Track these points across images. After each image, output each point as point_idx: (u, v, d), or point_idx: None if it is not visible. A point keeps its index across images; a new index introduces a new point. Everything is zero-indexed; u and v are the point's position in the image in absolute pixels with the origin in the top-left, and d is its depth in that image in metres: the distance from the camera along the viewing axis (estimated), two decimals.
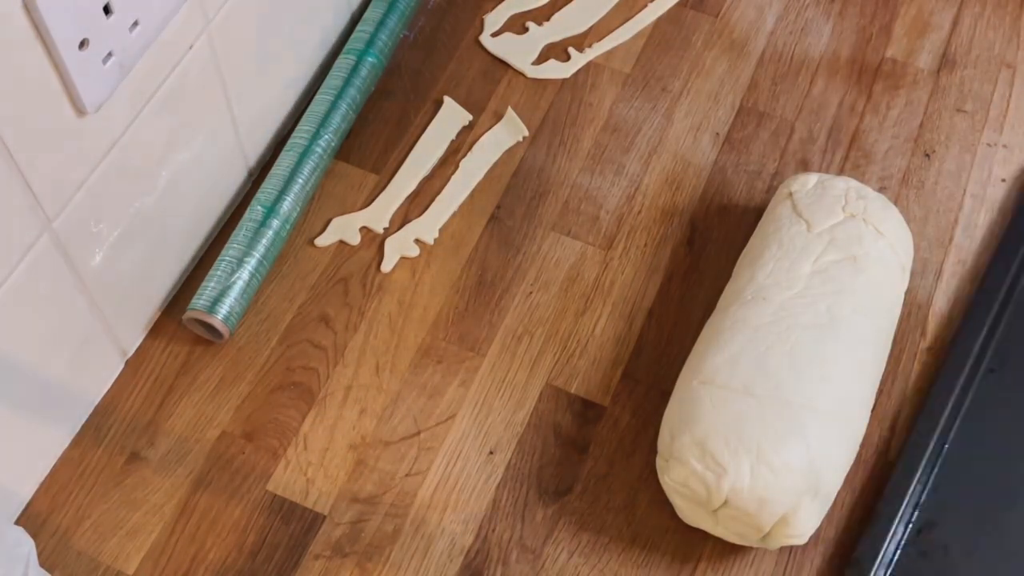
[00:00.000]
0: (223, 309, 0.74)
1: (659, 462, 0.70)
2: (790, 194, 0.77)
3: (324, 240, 0.81)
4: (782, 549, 0.70)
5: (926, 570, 0.69)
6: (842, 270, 0.72)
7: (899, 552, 0.69)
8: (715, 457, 0.66)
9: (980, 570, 0.69)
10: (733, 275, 0.76)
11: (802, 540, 0.67)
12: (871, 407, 0.71)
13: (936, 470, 0.72)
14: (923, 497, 0.71)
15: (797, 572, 0.70)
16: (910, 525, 0.70)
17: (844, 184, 0.77)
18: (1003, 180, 0.86)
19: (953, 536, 0.70)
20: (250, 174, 0.82)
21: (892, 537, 0.69)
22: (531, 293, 0.79)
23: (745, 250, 0.77)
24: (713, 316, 0.74)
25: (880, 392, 0.75)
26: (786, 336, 0.69)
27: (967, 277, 0.81)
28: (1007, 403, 0.75)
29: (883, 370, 0.73)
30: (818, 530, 0.70)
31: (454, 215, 0.82)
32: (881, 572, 0.68)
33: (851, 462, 0.69)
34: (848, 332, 0.70)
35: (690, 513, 0.69)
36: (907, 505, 0.70)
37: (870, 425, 0.73)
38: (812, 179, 0.78)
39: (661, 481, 0.70)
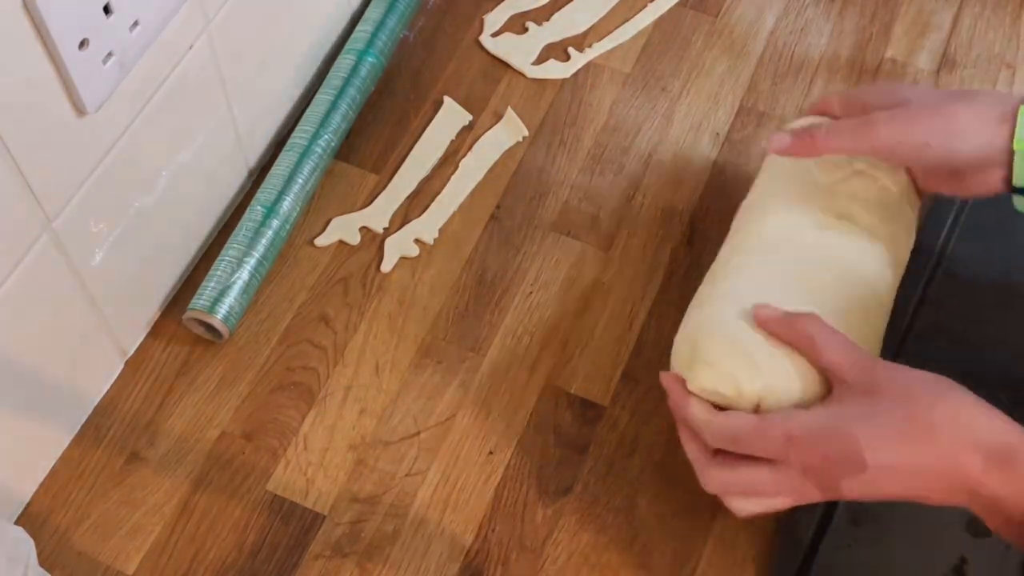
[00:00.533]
0: (223, 309, 0.74)
1: (678, 371, 0.66)
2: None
3: (324, 240, 0.81)
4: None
5: (858, 535, 0.69)
6: (852, 223, 0.70)
7: (833, 518, 0.70)
8: (751, 355, 0.62)
9: (907, 535, 0.70)
10: (737, 226, 0.74)
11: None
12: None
13: None
14: None
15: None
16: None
17: None
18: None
19: (884, 506, 0.69)
20: (250, 174, 0.82)
21: (825, 507, 0.69)
22: (531, 293, 0.79)
23: (748, 200, 0.75)
24: (716, 266, 0.72)
25: None
26: (797, 286, 0.67)
27: None
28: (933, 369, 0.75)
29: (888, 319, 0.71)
30: None
31: (454, 215, 0.82)
32: (815, 534, 0.68)
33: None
34: (860, 282, 0.68)
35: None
36: None
37: None
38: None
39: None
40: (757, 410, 0.63)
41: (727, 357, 0.63)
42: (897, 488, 0.58)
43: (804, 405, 0.62)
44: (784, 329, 0.63)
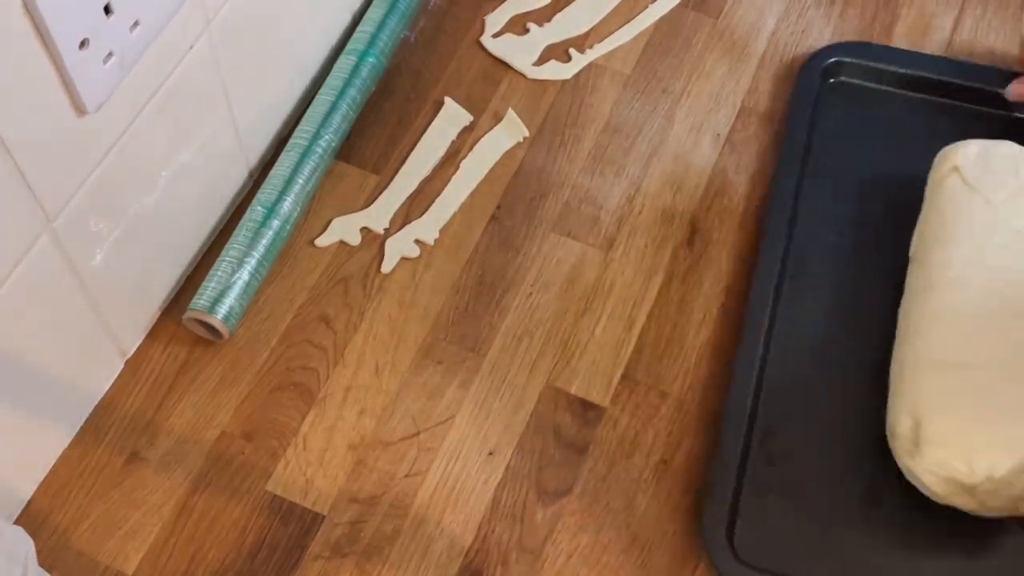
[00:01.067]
0: (223, 309, 0.74)
1: (895, 445, 0.70)
2: (955, 167, 0.76)
3: (324, 240, 0.81)
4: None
5: (776, 476, 0.72)
6: None
7: (748, 464, 0.72)
8: (972, 439, 0.66)
9: (825, 468, 0.72)
10: (917, 258, 0.75)
11: None
12: None
13: (765, 377, 0.75)
14: (759, 406, 0.74)
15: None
16: (752, 436, 0.73)
17: (1008, 149, 0.76)
18: None
19: (794, 440, 0.73)
20: (251, 174, 0.82)
21: (739, 449, 0.71)
22: (531, 294, 0.79)
23: (920, 231, 0.76)
24: (911, 301, 0.74)
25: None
26: (1003, 313, 0.70)
27: None
28: (807, 306, 0.78)
29: None
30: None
31: (454, 216, 0.82)
32: (736, 484, 0.71)
33: None
34: None
35: (943, 492, 0.69)
36: (747, 416, 0.73)
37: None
38: (971, 147, 0.76)
39: (902, 464, 0.70)
40: (989, 481, 0.66)
41: (955, 443, 0.67)
42: None
43: None
44: None
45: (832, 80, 0.89)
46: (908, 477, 0.70)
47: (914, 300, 0.74)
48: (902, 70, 0.88)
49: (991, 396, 0.68)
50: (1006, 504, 0.68)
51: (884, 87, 0.88)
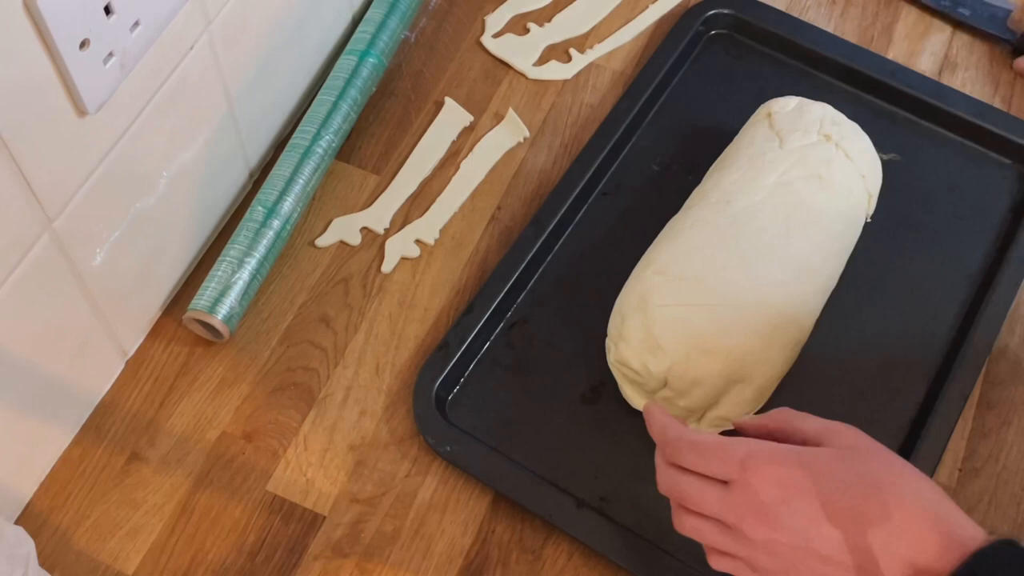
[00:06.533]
0: (223, 309, 0.74)
1: (608, 343, 0.73)
2: (769, 114, 0.80)
3: (325, 240, 0.81)
4: None
5: (508, 356, 0.76)
6: (806, 186, 0.75)
7: (489, 342, 0.76)
8: (658, 339, 0.69)
9: (558, 360, 0.76)
10: (702, 182, 0.79)
11: (732, 425, 0.69)
12: (816, 316, 0.74)
13: (536, 278, 0.79)
14: (520, 299, 0.78)
15: None
16: (503, 321, 0.77)
17: (822, 110, 0.79)
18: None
19: (538, 330, 0.77)
20: (251, 174, 0.82)
21: (483, 328, 0.75)
22: None
23: (717, 161, 0.80)
24: (676, 216, 0.77)
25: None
26: (742, 237, 0.72)
27: None
28: (606, 221, 0.81)
29: (835, 284, 0.76)
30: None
31: (455, 216, 0.82)
32: (469, 355, 0.75)
33: (790, 362, 0.72)
34: (803, 242, 0.73)
35: (634, 396, 0.72)
36: (500, 303, 0.76)
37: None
38: (792, 102, 0.80)
39: (609, 363, 0.73)
40: (665, 386, 0.70)
41: (641, 341, 0.70)
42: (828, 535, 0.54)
43: (706, 386, 0.69)
44: (764, 424, 0.61)
45: (714, 32, 0.91)
46: (615, 376, 0.73)
47: (676, 216, 0.77)
48: (782, 34, 0.90)
49: (686, 306, 0.70)
50: (682, 416, 0.70)
51: (762, 47, 0.90)
